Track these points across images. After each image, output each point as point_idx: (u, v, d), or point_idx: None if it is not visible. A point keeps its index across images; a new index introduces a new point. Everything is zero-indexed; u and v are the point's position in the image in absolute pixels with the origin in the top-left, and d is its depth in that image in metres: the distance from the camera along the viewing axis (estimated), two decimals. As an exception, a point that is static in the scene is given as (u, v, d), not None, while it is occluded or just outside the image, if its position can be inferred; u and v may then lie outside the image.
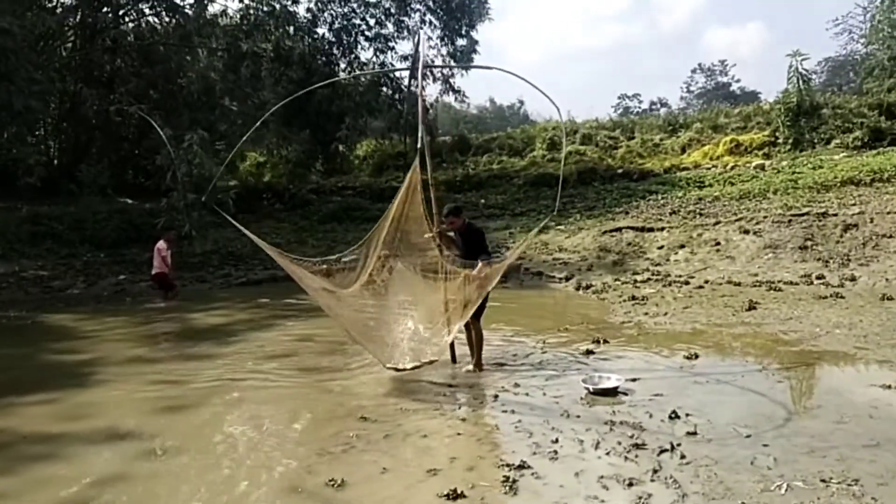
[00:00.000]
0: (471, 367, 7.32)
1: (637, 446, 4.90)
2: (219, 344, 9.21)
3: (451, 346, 7.65)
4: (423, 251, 7.41)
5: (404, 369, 7.15)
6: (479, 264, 6.86)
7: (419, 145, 7.07)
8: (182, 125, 18.36)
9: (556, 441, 5.09)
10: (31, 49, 18.26)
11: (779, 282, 11.61)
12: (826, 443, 4.87)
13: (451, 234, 7.42)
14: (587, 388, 6.31)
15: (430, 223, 7.20)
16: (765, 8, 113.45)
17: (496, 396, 6.35)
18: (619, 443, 4.99)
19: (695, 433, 5.11)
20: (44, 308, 12.69)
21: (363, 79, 24.01)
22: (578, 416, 5.69)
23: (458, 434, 5.36)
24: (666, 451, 4.80)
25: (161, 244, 13.59)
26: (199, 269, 16.36)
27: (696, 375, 6.82)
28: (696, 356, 7.46)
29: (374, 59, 24.75)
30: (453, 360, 7.66)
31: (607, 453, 4.83)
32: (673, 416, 5.52)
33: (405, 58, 24.52)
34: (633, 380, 6.64)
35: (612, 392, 6.27)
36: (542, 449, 4.95)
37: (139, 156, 21.93)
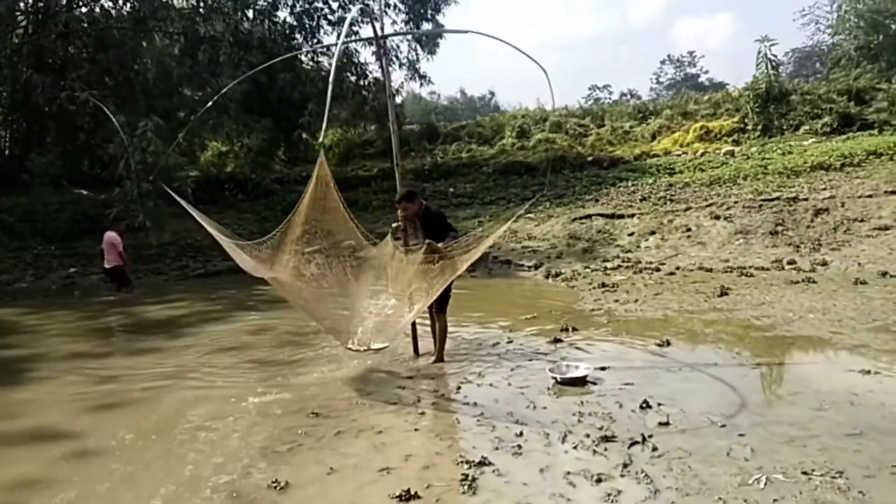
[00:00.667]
0: (432, 359, 6.93)
1: (606, 439, 4.57)
2: (169, 338, 8.72)
3: (414, 337, 7.27)
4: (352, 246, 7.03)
5: (363, 350, 6.85)
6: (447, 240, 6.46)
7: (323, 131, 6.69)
8: (138, 112, 17.66)
9: (521, 435, 4.73)
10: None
11: (750, 267, 11.38)
12: (806, 431, 4.58)
13: (408, 224, 6.96)
14: (554, 378, 5.96)
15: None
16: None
17: (458, 388, 5.98)
18: (588, 435, 4.65)
19: (667, 423, 4.79)
20: (-14, 302, 12.06)
21: (327, 63, 23.44)
22: (545, 408, 5.33)
23: (416, 430, 4.96)
24: (637, 443, 4.47)
25: (113, 236, 12.78)
26: (156, 261, 15.76)
27: (668, 363, 6.51)
28: (668, 343, 7.16)
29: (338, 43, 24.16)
30: (416, 351, 7.27)
31: (575, 447, 4.49)
32: (644, 405, 5.20)
33: (370, 42, 23.95)
34: (603, 368, 6.30)
35: (581, 381, 5.93)
36: (506, 444, 4.59)
37: (94, 145, 21.14)
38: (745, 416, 4.91)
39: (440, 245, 6.40)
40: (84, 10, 21.39)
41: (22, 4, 20.96)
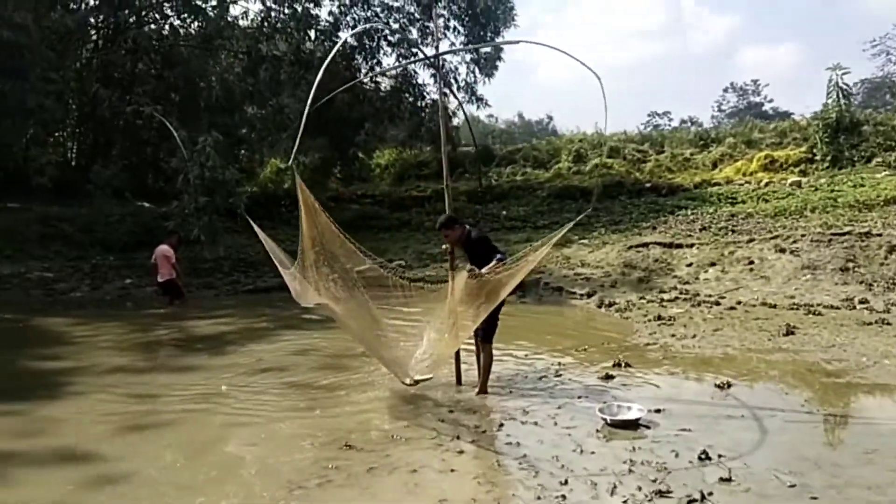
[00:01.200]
0: (476, 390, 6.62)
1: (660, 493, 4.17)
2: (212, 355, 8.62)
3: (457, 365, 6.99)
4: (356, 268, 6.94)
5: (415, 382, 6.61)
6: (492, 264, 6.18)
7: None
8: (200, 128, 17.96)
9: (566, 483, 4.38)
10: (49, 48, 18.04)
11: (818, 305, 10.72)
12: (886, 497, 4.11)
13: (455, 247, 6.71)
14: (604, 419, 5.58)
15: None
16: (800, 28, 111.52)
17: (501, 425, 5.64)
18: (640, 488, 4.26)
19: (729, 479, 4.36)
20: (42, 311, 12.23)
21: (385, 84, 23.52)
22: (593, 453, 4.96)
23: (452, 470, 4.65)
24: (695, 500, 4.06)
25: (166, 249, 12.87)
26: (209, 275, 15.85)
27: (729, 407, 6.05)
28: (729, 385, 6.68)
29: (398, 64, 24.29)
30: (458, 380, 6.98)
31: (625, 501, 4.11)
32: (703, 456, 4.78)
33: (430, 65, 24.02)
34: (657, 411, 5.89)
35: (633, 425, 5.53)
36: (549, 493, 4.24)
37: (159, 159, 21.61)
38: (818, 476, 4.44)
39: (484, 270, 6.13)
40: (153, 27, 22.03)
41: (93, 20, 21.69)
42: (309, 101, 6.54)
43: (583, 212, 18.58)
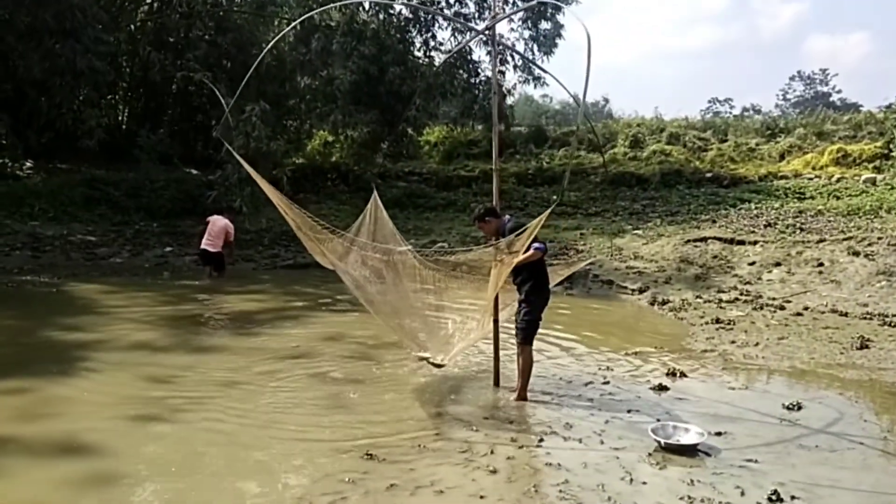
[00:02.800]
0: (514, 395, 6.05)
1: (724, 545, 3.55)
2: (238, 335, 8.23)
3: (496, 365, 6.43)
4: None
5: (425, 358, 6.22)
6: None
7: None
8: (249, 97, 17.61)
9: (612, 522, 3.78)
10: (103, 9, 17.88)
11: (894, 316, 9.80)
12: None
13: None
14: (658, 442, 4.95)
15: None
16: (870, 18, 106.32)
17: (541, 440, 5.05)
18: (700, 536, 3.65)
19: (806, 532, 3.72)
20: (79, 275, 12.05)
21: (438, 59, 22.79)
22: (644, 483, 4.34)
23: (482, 496, 4.08)
24: (766, 559, 3.43)
25: (228, 224, 12.73)
26: (248, 247, 15.56)
27: (800, 434, 5.34)
28: (799, 407, 5.96)
29: (452, 39, 23.55)
30: (496, 382, 6.42)
31: (682, 553, 3.50)
32: (774, 497, 4.12)
33: (485, 42, 23.20)
34: (718, 434, 5.23)
35: (691, 450, 4.89)
36: (592, 534, 3.66)
37: (209, 126, 21.42)
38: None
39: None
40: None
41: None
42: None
43: (639, 201, 17.89)
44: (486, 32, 6.63)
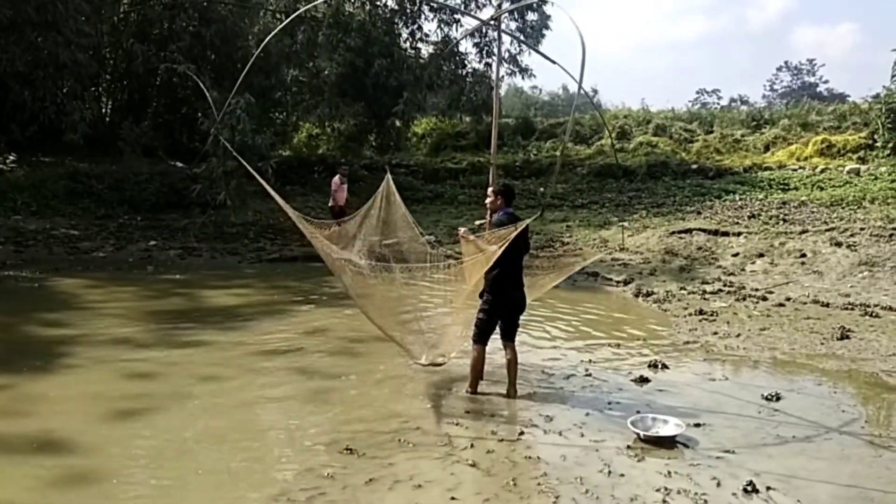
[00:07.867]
0: (504, 391, 6.03)
1: (699, 537, 3.59)
2: (222, 330, 8.18)
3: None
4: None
5: (435, 364, 6.33)
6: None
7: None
8: (237, 90, 17.47)
9: (589, 514, 3.81)
10: (85, 0, 17.66)
11: (876, 306, 9.88)
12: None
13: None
14: (637, 434, 4.99)
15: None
16: (858, 9, 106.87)
17: (521, 434, 5.08)
18: (675, 527, 3.69)
19: (780, 522, 3.76)
20: (62, 270, 11.94)
21: (425, 51, 22.76)
22: (622, 476, 4.38)
23: (460, 490, 4.10)
24: (739, 549, 3.47)
25: (336, 179, 14.94)
26: (234, 240, 15.50)
27: (778, 425, 5.40)
28: (778, 397, 6.02)
29: (438, 31, 23.48)
30: (480, 376, 6.41)
31: (657, 544, 3.53)
32: (749, 488, 4.17)
33: (472, 33, 23.12)
34: (697, 425, 5.27)
35: (670, 442, 4.93)
36: (569, 526, 3.68)
37: (193, 118, 21.26)
38: (885, 524, 3.82)
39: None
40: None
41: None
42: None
43: (625, 193, 17.91)
44: (493, 22, 6.61)
